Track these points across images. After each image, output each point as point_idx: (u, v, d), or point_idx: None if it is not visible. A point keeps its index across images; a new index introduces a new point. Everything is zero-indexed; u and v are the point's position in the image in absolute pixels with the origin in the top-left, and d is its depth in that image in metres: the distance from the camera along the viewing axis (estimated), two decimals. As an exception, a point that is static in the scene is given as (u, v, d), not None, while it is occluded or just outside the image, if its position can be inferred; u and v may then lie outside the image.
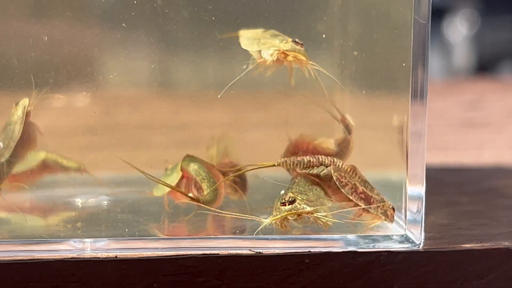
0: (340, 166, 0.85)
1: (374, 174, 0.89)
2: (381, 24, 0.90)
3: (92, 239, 0.84)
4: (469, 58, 3.17)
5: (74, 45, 0.93)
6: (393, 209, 0.87)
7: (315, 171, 0.85)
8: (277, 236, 0.84)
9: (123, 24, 0.92)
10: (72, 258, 0.80)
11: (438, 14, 3.11)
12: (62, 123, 1.00)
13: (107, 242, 0.84)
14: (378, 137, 0.97)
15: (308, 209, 0.82)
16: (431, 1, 0.84)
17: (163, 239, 0.84)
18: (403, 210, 0.86)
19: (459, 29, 3.17)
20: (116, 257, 0.81)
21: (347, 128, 0.92)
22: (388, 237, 0.85)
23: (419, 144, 0.85)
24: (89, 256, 0.81)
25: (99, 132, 0.99)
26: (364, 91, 0.94)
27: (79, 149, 1.00)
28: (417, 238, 0.84)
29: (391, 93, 0.91)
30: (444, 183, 1.16)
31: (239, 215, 0.85)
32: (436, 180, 1.16)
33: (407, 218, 0.85)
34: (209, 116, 1.01)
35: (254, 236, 0.84)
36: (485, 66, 3.12)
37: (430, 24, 0.83)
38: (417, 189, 0.85)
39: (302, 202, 0.82)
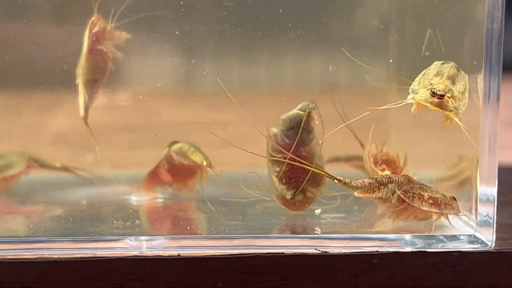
0: (399, 181, 0.82)
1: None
2: (451, 20, 0.88)
3: (148, 237, 0.82)
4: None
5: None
6: (455, 199, 0.84)
7: (379, 194, 0.82)
8: (342, 236, 0.82)
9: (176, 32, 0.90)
10: (134, 256, 0.78)
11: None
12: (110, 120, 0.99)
13: (163, 240, 0.82)
14: (450, 138, 0.95)
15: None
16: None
17: (222, 238, 0.82)
18: (473, 211, 0.83)
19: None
20: (179, 255, 0.79)
21: None
22: (456, 238, 0.83)
23: (491, 145, 0.83)
24: (151, 254, 0.79)
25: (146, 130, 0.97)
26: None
27: (126, 146, 0.99)
28: (488, 238, 0.82)
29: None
30: (502, 183, 1.13)
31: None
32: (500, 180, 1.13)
33: (477, 219, 0.83)
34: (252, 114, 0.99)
35: (320, 235, 0.82)
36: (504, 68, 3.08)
37: (504, 17, 0.81)
38: (489, 189, 0.83)
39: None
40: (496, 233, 0.85)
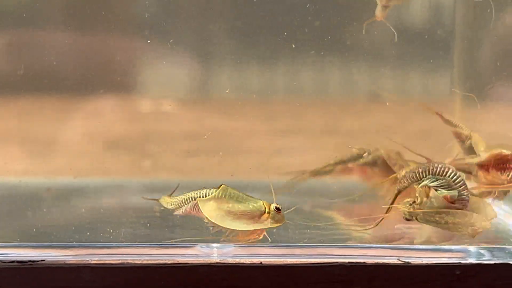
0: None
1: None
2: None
3: (218, 244, 0.82)
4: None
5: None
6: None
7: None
8: (423, 246, 0.81)
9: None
10: (216, 263, 0.78)
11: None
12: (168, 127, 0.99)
13: (234, 248, 0.81)
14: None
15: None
16: None
17: (306, 246, 0.82)
18: None
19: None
20: (261, 263, 0.78)
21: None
22: None
23: None
24: (233, 262, 0.79)
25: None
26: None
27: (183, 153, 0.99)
28: None
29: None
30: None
31: None
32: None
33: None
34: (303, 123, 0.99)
35: (401, 245, 0.81)
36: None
37: None
38: None
39: None
40: None
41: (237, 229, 0.79)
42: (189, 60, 0.97)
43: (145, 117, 0.99)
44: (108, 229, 0.84)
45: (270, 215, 0.78)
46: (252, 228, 0.79)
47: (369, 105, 1.03)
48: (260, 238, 0.79)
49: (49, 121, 0.98)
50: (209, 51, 0.96)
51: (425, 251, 0.81)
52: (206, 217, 0.80)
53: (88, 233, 0.83)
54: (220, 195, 0.80)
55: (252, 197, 0.80)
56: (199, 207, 0.81)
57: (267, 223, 0.79)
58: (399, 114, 1.01)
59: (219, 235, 0.81)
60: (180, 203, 0.82)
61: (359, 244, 0.81)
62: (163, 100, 0.98)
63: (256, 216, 0.79)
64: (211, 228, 0.80)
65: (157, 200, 0.83)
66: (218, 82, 0.99)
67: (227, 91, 0.98)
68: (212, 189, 0.81)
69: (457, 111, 0.99)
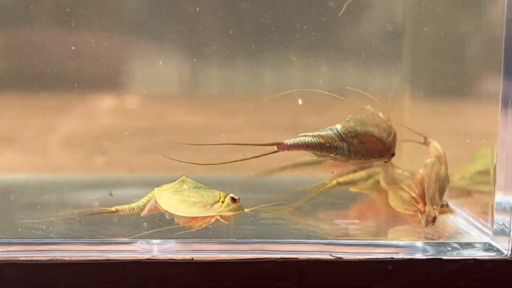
0: None
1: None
2: (468, 24, 0.87)
3: (159, 241, 0.81)
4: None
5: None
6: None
7: None
8: (357, 241, 0.81)
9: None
10: (148, 259, 0.78)
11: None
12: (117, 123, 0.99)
13: (174, 244, 0.81)
14: (466, 144, 0.95)
15: None
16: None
17: (239, 242, 0.81)
18: (489, 219, 0.83)
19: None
20: (192, 259, 0.78)
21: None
22: (470, 245, 0.82)
23: (507, 151, 0.82)
24: (164, 258, 0.78)
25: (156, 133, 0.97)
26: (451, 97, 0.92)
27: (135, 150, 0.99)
28: (505, 247, 0.81)
29: (480, 99, 0.88)
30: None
31: None
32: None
33: (493, 227, 0.82)
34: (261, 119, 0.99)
35: (334, 240, 0.81)
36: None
37: None
38: (505, 196, 0.82)
39: None
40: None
41: (189, 215, 0.79)
42: (149, 55, 0.96)
43: (102, 114, 0.98)
44: (41, 226, 0.83)
45: (224, 203, 0.79)
46: (203, 215, 0.79)
47: (329, 102, 1.03)
48: (211, 222, 0.79)
49: (3, 118, 0.98)
50: (170, 47, 0.95)
51: (359, 246, 0.81)
52: (166, 211, 0.80)
53: (19, 229, 0.82)
54: (177, 185, 0.80)
55: (210, 188, 0.81)
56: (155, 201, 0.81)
57: (221, 211, 0.79)
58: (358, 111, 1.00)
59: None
60: (144, 204, 0.82)
61: (292, 240, 0.81)
62: (121, 96, 0.98)
63: (208, 204, 0.79)
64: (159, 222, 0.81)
65: (115, 211, 0.84)
66: (178, 78, 0.99)
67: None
68: (172, 183, 0.82)
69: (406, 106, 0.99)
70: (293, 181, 0.94)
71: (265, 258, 0.78)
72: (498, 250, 0.81)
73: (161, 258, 0.78)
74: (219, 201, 0.79)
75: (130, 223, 0.85)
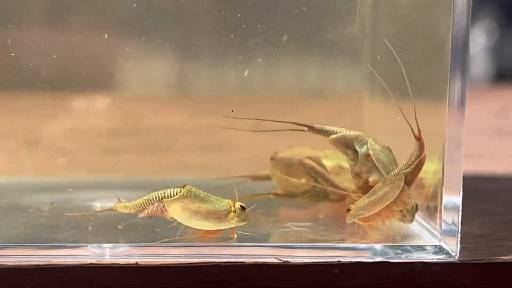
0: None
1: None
2: (417, 27, 0.87)
3: (111, 245, 0.81)
4: (488, 69, 3.13)
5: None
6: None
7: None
8: (304, 245, 0.80)
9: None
10: (91, 264, 0.77)
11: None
12: (85, 125, 0.98)
13: (127, 248, 0.80)
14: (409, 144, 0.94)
15: None
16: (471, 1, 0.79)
17: (186, 246, 0.80)
18: (437, 220, 0.82)
19: (478, 40, 3.13)
20: (137, 263, 0.77)
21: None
22: (421, 248, 0.81)
23: (456, 151, 0.81)
24: (108, 262, 0.77)
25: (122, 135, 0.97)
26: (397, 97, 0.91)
27: (101, 152, 0.98)
28: (453, 249, 0.80)
29: (428, 99, 0.87)
30: (478, 192, 1.11)
31: None
32: (469, 188, 1.11)
33: (442, 228, 0.81)
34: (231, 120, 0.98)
35: (281, 244, 0.80)
36: (504, 77, 3.08)
37: (470, 24, 0.79)
38: (453, 197, 0.81)
39: None
40: (464, 243, 0.84)
41: (205, 228, 0.79)
42: (119, 56, 0.95)
43: (71, 115, 0.97)
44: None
45: (236, 213, 0.79)
46: (219, 228, 0.79)
47: (298, 101, 1.02)
48: (233, 237, 0.80)
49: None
50: (141, 48, 0.94)
51: (306, 250, 0.80)
52: (171, 217, 0.80)
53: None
54: (186, 195, 0.80)
55: (215, 196, 0.80)
56: (163, 208, 0.81)
57: (233, 222, 0.79)
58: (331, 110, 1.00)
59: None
60: (143, 205, 0.81)
61: (238, 243, 0.80)
62: (91, 97, 0.97)
63: (223, 215, 0.79)
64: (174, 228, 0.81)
65: (113, 209, 0.83)
66: (150, 78, 0.98)
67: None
68: (176, 189, 0.81)
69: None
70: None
71: (211, 262, 0.77)
72: (447, 253, 0.80)
73: (105, 263, 0.77)
74: (231, 210, 0.79)
75: (75, 226, 0.84)
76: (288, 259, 0.78)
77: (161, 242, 0.80)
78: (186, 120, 0.99)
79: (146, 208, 0.81)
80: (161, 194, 0.81)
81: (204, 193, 0.80)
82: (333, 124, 0.90)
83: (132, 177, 0.98)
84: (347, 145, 0.86)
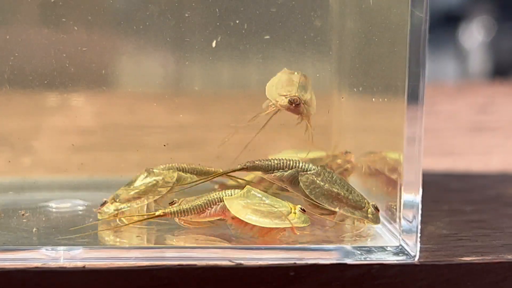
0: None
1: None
2: (376, 20, 0.84)
3: (65, 247, 0.78)
4: (485, 64, 3.12)
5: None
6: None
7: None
8: (260, 246, 0.78)
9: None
10: (35, 268, 0.74)
11: (454, 21, 3.07)
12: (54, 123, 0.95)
13: (82, 250, 0.78)
14: (373, 141, 0.92)
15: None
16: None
17: (138, 248, 0.78)
18: (397, 219, 0.79)
19: (475, 36, 3.12)
20: (84, 267, 0.74)
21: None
22: (381, 248, 0.78)
23: (414, 149, 0.78)
24: (54, 266, 0.75)
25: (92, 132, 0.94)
26: (361, 94, 0.88)
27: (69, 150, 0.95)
28: (412, 249, 0.78)
29: (388, 95, 0.84)
30: (448, 190, 1.09)
31: None
32: (440, 187, 1.09)
33: (402, 228, 0.79)
34: (207, 117, 0.95)
35: (235, 245, 0.77)
36: (501, 72, 3.07)
37: (428, 18, 0.77)
38: (412, 196, 0.78)
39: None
40: (427, 244, 0.82)
41: (266, 226, 0.78)
42: (88, 51, 0.93)
43: (37, 111, 0.94)
44: None
45: (297, 215, 0.79)
46: (281, 226, 0.78)
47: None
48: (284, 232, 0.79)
49: None
50: (109, 41, 0.92)
51: (261, 251, 0.77)
52: (232, 217, 0.79)
53: None
54: (246, 194, 0.80)
55: (272, 197, 0.80)
56: (225, 208, 0.79)
57: (295, 222, 0.79)
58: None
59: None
60: (203, 207, 0.80)
61: (190, 245, 0.78)
62: (58, 93, 0.93)
63: (283, 215, 0.79)
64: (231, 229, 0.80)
65: (164, 213, 0.81)
66: (120, 74, 0.95)
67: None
68: (234, 190, 0.80)
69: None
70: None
71: (162, 265, 0.75)
72: (407, 254, 0.78)
73: (51, 266, 0.75)
74: (291, 212, 0.79)
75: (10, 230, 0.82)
76: (241, 261, 0.75)
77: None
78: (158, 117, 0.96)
79: (207, 209, 0.80)
80: (221, 194, 0.80)
81: (266, 194, 0.80)
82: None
83: (93, 177, 0.95)
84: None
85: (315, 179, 0.80)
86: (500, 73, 3.06)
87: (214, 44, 0.89)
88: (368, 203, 0.81)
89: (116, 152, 0.96)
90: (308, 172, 0.81)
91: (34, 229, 0.81)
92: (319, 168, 0.81)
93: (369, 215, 0.80)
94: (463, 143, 1.46)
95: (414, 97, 0.77)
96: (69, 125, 0.95)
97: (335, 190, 0.80)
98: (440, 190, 1.08)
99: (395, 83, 0.81)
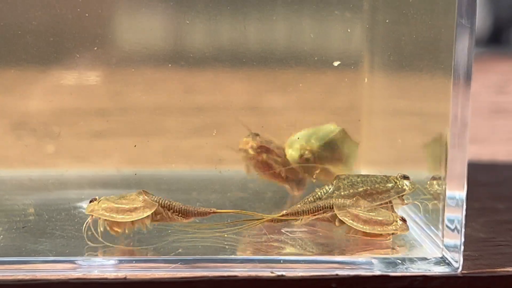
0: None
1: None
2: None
3: (100, 258, 0.77)
4: (485, 21, 3.07)
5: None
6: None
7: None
8: (300, 258, 0.77)
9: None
10: (77, 278, 0.73)
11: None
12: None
13: (114, 261, 0.77)
14: (410, 127, 0.90)
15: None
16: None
17: (177, 259, 0.77)
18: (440, 225, 0.78)
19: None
20: (125, 278, 0.74)
21: None
22: (423, 259, 0.78)
23: (460, 139, 0.76)
24: (96, 277, 0.74)
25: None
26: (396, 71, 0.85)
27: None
28: (456, 260, 0.77)
29: (429, 73, 0.81)
30: (476, 184, 1.07)
31: None
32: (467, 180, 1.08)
33: (444, 237, 0.77)
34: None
35: (276, 257, 0.77)
36: (500, 28, 3.02)
37: None
38: (455, 198, 0.77)
39: None
40: (466, 250, 0.80)
41: (372, 232, 0.80)
42: (106, 27, 0.90)
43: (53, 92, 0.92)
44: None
45: (398, 223, 0.81)
46: (385, 233, 0.81)
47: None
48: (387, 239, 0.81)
49: None
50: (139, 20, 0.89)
51: (301, 263, 0.76)
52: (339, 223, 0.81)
53: None
54: (355, 203, 0.81)
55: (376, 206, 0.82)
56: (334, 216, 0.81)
57: (397, 230, 0.81)
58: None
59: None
60: (311, 212, 0.81)
61: (231, 256, 0.77)
62: (73, 72, 0.91)
63: (386, 224, 0.81)
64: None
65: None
66: (137, 52, 0.92)
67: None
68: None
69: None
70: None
71: (203, 277, 0.74)
72: (449, 264, 0.77)
73: (92, 277, 0.74)
74: (394, 220, 0.81)
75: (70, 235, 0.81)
76: (283, 273, 0.75)
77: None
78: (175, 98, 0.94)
79: (315, 214, 0.81)
80: (330, 202, 0.81)
81: (367, 202, 0.81)
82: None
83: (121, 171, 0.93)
84: None
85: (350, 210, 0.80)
86: (499, 29, 3.01)
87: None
88: (395, 216, 0.80)
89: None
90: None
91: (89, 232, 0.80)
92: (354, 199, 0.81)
93: (398, 229, 0.80)
94: (485, 128, 1.44)
95: (461, 73, 0.73)
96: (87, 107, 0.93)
97: (368, 216, 0.81)
98: (468, 184, 1.07)
99: (437, 58, 0.77)
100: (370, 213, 0.81)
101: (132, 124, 0.94)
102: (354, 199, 0.81)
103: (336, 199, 0.81)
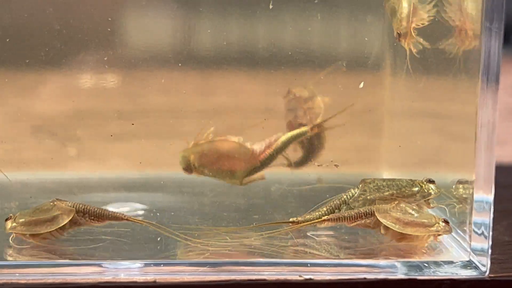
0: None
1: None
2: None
3: (127, 261, 0.77)
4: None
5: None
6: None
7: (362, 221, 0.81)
8: (328, 261, 0.77)
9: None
10: (107, 282, 0.74)
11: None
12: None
13: (143, 264, 0.77)
14: (434, 128, 0.89)
15: None
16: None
17: (204, 263, 0.77)
18: (467, 229, 0.78)
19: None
20: (155, 281, 0.74)
21: None
22: (450, 263, 0.78)
23: (488, 141, 0.76)
24: (125, 280, 0.74)
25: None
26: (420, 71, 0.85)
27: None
28: (483, 263, 0.77)
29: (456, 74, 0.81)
30: (497, 186, 1.07)
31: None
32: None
33: (471, 240, 0.78)
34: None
35: (304, 260, 0.77)
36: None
37: None
38: (482, 202, 0.77)
39: None
40: (493, 253, 0.80)
41: (415, 234, 0.80)
42: (122, 30, 0.90)
43: (72, 94, 0.92)
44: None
45: (441, 226, 0.80)
46: (424, 234, 0.80)
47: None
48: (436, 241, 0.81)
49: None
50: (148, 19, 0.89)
51: (329, 266, 0.77)
52: (383, 228, 0.81)
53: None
54: (395, 207, 0.81)
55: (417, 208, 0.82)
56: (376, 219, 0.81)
57: (440, 232, 0.80)
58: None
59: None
60: (354, 218, 0.81)
61: (259, 260, 0.77)
62: (92, 74, 0.91)
63: (429, 226, 0.80)
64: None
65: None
66: (155, 54, 0.92)
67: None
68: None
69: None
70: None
71: (231, 280, 0.74)
72: (477, 268, 0.77)
73: (122, 280, 0.74)
74: (436, 222, 0.80)
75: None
76: (311, 276, 0.75)
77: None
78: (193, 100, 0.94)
79: (358, 220, 0.81)
80: (372, 208, 0.81)
81: (408, 205, 0.81)
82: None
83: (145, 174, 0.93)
84: None
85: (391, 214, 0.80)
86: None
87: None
88: (437, 218, 0.80)
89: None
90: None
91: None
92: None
93: (441, 230, 0.80)
94: (505, 129, 1.44)
95: (489, 73, 0.72)
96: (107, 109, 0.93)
97: (410, 219, 0.80)
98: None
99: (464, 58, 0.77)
100: (413, 216, 0.80)
101: (152, 127, 0.94)
102: (395, 203, 0.81)
103: (378, 205, 0.81)
